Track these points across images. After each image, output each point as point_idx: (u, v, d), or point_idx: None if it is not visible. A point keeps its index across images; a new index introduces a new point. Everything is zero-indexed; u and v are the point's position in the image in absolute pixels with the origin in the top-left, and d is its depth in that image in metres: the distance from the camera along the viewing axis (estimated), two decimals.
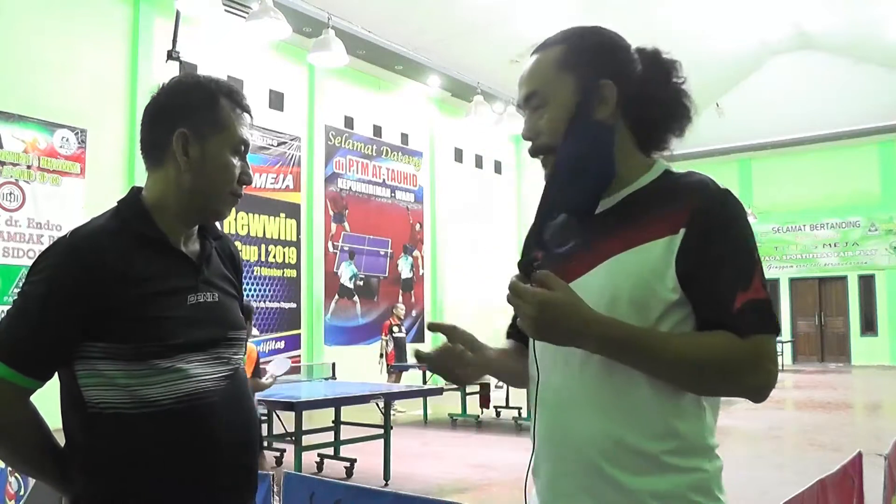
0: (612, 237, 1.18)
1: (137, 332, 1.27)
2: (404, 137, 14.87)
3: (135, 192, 1.41)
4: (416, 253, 15.01)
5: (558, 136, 1.22)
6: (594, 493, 1.15)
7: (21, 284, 1.31)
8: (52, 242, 1.33)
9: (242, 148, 1.41)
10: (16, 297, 1.29)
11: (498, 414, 9.83)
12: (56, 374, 1.32)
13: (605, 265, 1.17)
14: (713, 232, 1.12)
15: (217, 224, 1.54)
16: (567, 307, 1.08)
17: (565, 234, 1.27)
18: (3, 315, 1.32)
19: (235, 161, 1.40)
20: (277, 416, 6.66)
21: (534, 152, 1.27)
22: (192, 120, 1.36)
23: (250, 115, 1.45)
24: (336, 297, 13.13)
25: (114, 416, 1.27)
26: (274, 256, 11.90)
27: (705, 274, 1.11)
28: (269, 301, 11.73)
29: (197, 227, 1.45)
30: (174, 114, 1.37)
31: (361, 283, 13.69)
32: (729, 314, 1.10)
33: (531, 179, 18.40)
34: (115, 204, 1.40)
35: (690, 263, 1.11)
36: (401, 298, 14.42)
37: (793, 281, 20.26)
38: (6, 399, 1.25)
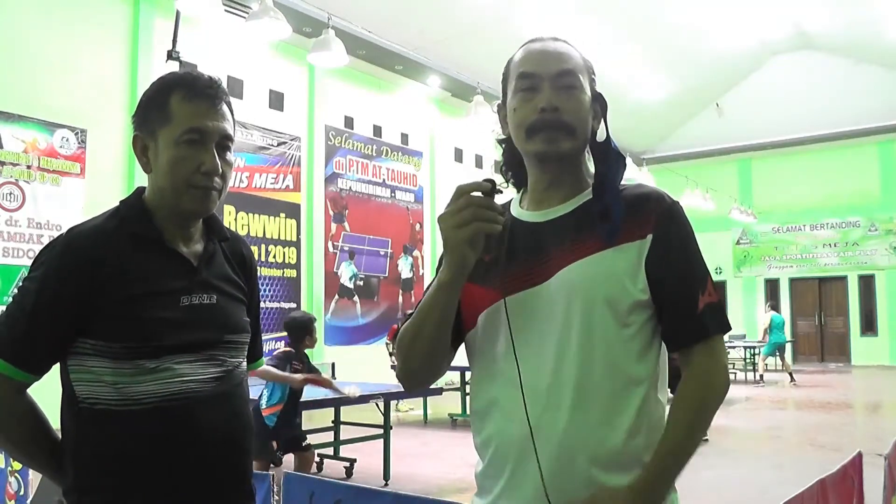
0: (579, 240, 1.22)
1: (125, 331, 1.28)
2: (404, 137, 14.86)
3: (138, 193, 1.43)
4: (416, 253, 15.00)
5: (582, 122, 1.27)
6: (571, 490, 1.15)
7: (21, 280, 1.34)
8: (50, 240, 1.35)
9: (197, 136, 1.34)
10: (14, 293, 1.33)
11: None
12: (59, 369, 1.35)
13: (576, 266, 1.20)
14: (676, 240, 1.23)
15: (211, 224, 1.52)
16: None
17: (520, 237, 1.28)
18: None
19: (189, 152, 1.34)
20: None
21: (551, 124, 1.23)
22: (146, 122, 1.38)
23: (220, 100, 1.38)
24: (336, 297, 13.13)
25: (102, 411, 1.29)
26: (274, 256, 11.89)
27: (673, 278, 1.21)
28: (269, 301, 11.72)
29: (201, 227, 1.45)
30: (136, 119, 1.40)
31: (361, 283, 13.69)
32: (693, 315, 1.20)
33: None
34: (118, 203, 1.42)
35: (659, 268, 1.20)
36: (401, 298, 14.42)
37: (793, 281, 20.25)
38: (3, 392, 1.29)
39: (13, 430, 1.33)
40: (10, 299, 1.34)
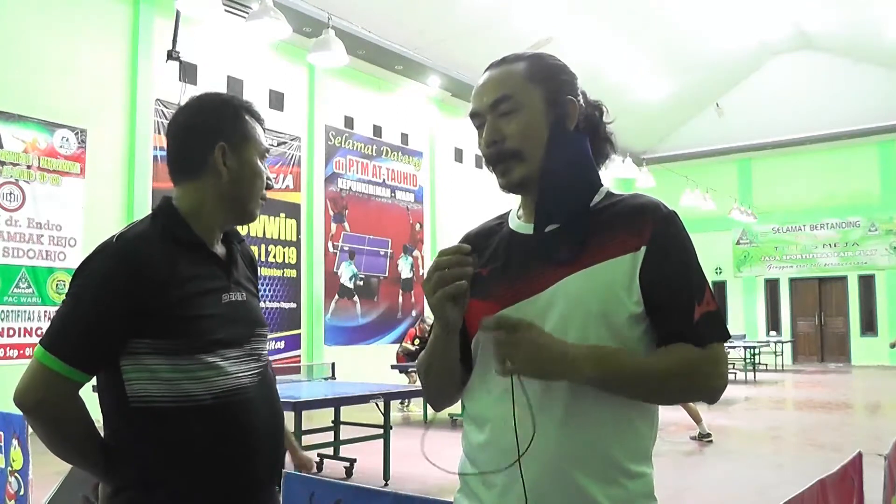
0: (573, 252, 1.21)
1: (183, 328, 1.37)
2: (404, 137, 14.86)
3: (168, 202, 1.52)
4: (416, 253, 15.01)
5: (529, 142, 1.25)
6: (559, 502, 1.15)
7: (69, 286, 1.40)
8: (98, 246, 1.42)
9: (267, 154, 1.58)
10: (66, 298, 1.39)
11: None
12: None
13: (570, 279, 1.19)
14: (671, 250, 1.19)
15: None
16: (547, 351, 1.10)
17: (512, 251, 1.28)
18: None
19: (263, 168, 1.56)
20: None
21: (497, 157, 1.26)
22: (226, 134, 1.50)
23: (263, 125, 1.60)
24: (336, 297, 13.14)
25: (156, 409, 1.36)
26: (274, 256, 11.90)
27: (667, 288, 1.17)
28: (269, 301, 11.73)
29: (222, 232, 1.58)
30: (210, 130, 1.50)
31: (361, 283, 13.69)
32: (689, 325, 1.17)
33: None
34: (151, 212, 1.51)
35: (653, 279, 1.17)
36: (401, 298, 14.43)
37: (793, 281, 20.26)
38: (62, 393, 1.35)
39: (73, 429, 1.38)
40: (62, 303, 1.40)
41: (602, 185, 1.29)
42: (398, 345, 12.50)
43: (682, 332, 1.17)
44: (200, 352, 1.38)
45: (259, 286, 1.70)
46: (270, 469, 1.50)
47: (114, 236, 1.42)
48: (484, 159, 1.30)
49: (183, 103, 1.57)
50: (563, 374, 1.12)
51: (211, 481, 1.38)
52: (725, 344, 1.22)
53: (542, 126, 1.26)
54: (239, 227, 1.63)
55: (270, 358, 1.61)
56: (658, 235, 1.19)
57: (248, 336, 1.49)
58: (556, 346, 1.11)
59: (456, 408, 10.72)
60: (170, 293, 1.37)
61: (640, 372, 1.15)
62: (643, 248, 1.18)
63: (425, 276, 1.18)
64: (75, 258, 8.93)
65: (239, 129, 1.52)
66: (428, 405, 9.85)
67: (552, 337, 1.12)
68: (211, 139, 1.49)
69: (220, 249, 1.54)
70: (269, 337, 1.64)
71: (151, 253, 1.39)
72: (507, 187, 1.29)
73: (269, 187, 1.57)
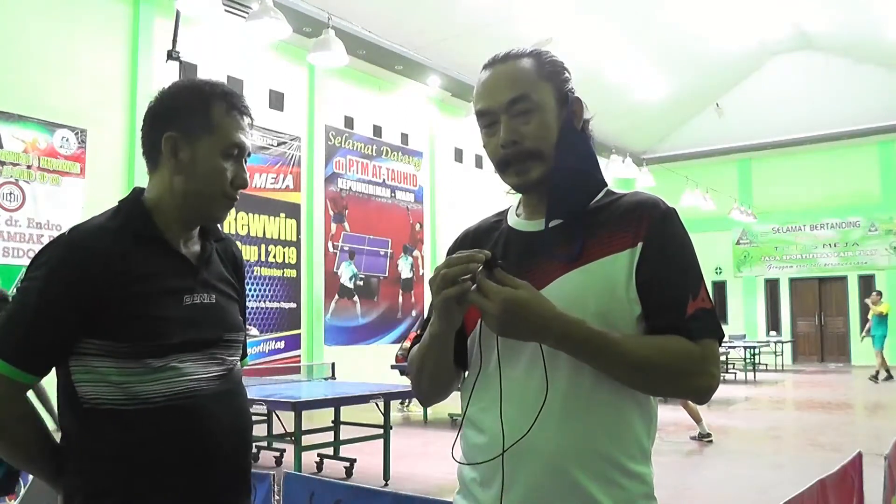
0: (571, 250, 1.21)
1: (133, 330, 1.27)
2: (404, 137, 14.86)
3: (136, 193, 1.42)
4: (416, 253, 15.00)
5: (546, 142, 1.24)
6: (562, 502, 1.14)
7: (21, 280, 1.32)
8: (51, 240, 1.33)
9: (236, 151, 1.40)
10: (15, 294, 1.31)
11: None
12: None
13: (568, 277, 1.19)
14: (668, 246, 1.19)
15: (218, 225, 1.54)
16: (530, 305, 1.10)
17: (510, 248, 1.28)
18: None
19: (227, 164, 1.39)
20: (277, 416, 6.66)
21: (515, 158, 1.24)
22: (182, 123, 1.37)
23: (250, 117, 1.44)
24: (336, 297, 13.13)
25: (108, 412, 1.28)
26: (274, 256, 11.89)
27: (660, 282, 1.17)
28: (269, 301, 11.73)
29: (198, 228, 1.46)
30: (166, 117, 1.38)
31: (361, 283, 13.69)
32: (681, 319, 1.16)
33: None
34: (117, 203, 1.41)
35: (647, 273, 1.17)
36: (401, 298, 14.42)
37: (793, 281, 20.25)
38: (5, 394, 1.26)
39: (16, 431, 1.31)
40: (11, 299, 1.33)
41: (606, 185, 1.29)
42: (398, 345, 12.50)
43: (674, 325, 1.16)
44: (151, 356, 1.28)
45: (245, 289, 1.58)
46: (229, 477, 1.39)
47: (68, 229, 1.34)
48: (495, 159, 1.27)
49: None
50: (537, 329, 1.10)
51: (166, 486, 1.30)
52: (721, 346, 1.21)
53: (556, 125, 1.25)
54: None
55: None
56: (655, 231, 1.19)
57: (212, 341, 1.39)
58: (544, 303, 1.11)
59: (456, 408, 10.73)
60: (121, 292, 1.27)
61: (621, 344, 1.12)
62: (639, 245, 1.18)
63: (432, 274, 1.17)
64: None
65: (201, 120, 1.36)
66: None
67: (536, 295, 1.11)
68: (164, 128, 1.36)
69: (192, 247, 1.43)
70: (249, 339, 1.55)
71: (103, 247, 1.29)
72: (523, 187, 1.27)
73: (237, 186, 1.41)
